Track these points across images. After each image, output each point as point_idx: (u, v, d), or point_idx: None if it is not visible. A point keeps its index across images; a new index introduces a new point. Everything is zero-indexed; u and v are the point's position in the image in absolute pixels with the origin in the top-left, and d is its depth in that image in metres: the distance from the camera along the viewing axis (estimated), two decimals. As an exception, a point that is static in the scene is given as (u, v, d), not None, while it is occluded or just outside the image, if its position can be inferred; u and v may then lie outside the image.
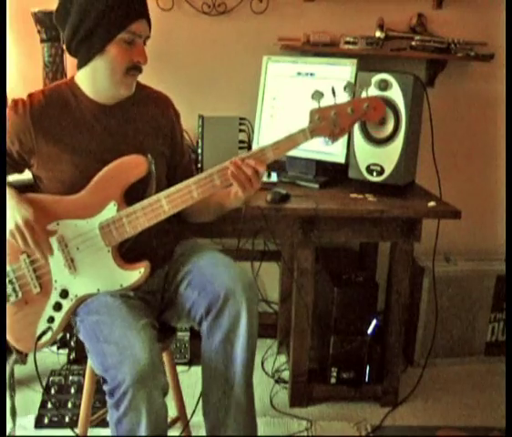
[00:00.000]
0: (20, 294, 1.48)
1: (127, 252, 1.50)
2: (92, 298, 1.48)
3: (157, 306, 1.60)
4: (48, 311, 1.48)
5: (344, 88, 1.51)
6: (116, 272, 1.47)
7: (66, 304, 1.48)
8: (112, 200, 1.45)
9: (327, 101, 1.51)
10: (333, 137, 1.51)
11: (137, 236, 1.47)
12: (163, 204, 1.44)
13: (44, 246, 1.41)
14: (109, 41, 1.41)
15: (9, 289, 1.47)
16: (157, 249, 1.58)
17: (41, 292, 1.48)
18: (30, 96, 1.50)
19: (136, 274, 1.48)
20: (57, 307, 1.48)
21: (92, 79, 1.49)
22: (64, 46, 1.50)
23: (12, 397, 1.94)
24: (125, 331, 1.36)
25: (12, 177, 1.82)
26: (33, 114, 1.46)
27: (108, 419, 1.40)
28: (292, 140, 1.49)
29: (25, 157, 1.48)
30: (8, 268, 1.47)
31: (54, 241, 1.44)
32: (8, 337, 1.51)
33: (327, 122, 1.49)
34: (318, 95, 1.50)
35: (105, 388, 1.36)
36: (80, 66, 1.49)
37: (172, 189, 1.45)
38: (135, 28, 1.42)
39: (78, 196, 1.46)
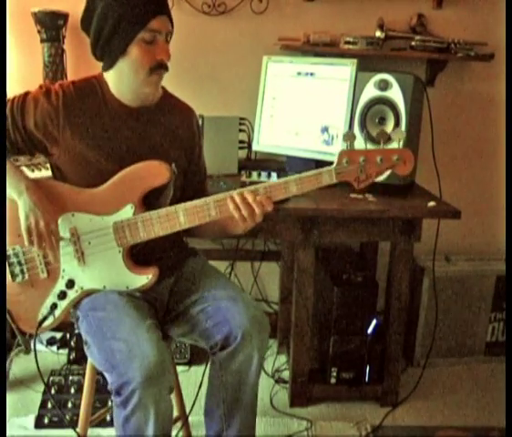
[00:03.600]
0: (27, 276, 1.49)
1: (136, 254, 1.50)
2: (97, 294, 1.49)
3: (161, 312, 1.60)
4: (52, 298, 1.49)
5: (343, 138, 1.46)
6: (124, 273, 1.47)
7: (71, 294, 1.49)
8: (130, 202, 1.44)
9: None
10: (358, 182, 1.46)
11: (149, 241, 1.47)
12: (180, 216, 1.43)
13: (54, 249, 1.41)
14: (130, 42, 1.41)
15: (17, 269, 1.48)
16: (167, 258, 1.58)
17: (48, 278, 1.49)
18: (61, 85, 1.49)
19: (143, 279, 1.48)
20: (62, 295, 1.48)
21: (118, 81, 1.48)
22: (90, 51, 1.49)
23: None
24: (133, 329, 1.36)
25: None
26: (65, 105, 1.45)
27: (114, 417, 1.39)
28: (317, 178, 1.45)
29: (47, 145, 1.47)
30: (19, 249, 1.48)
31: (66, 232, 1.45)
32: (10, 315, 1.52)
33: (354, 167, 1.45)
34: (350, 136, 1.45)
35: (110, 386, 1.35)
36: (105, 69, 1.49)
37: (191, 204, 1.44)
38: (154, 25, 1.40)
39: (97, 191, 1.46)
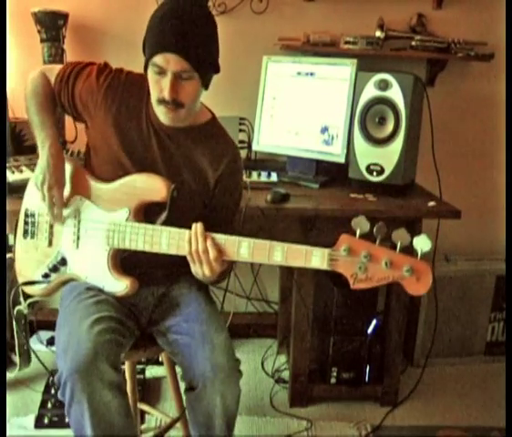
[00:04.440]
0: (34, 238, 1.56)
1: (126, 259, 1.49)
2: (75, 283, 1.51)
3: (143, 320, 1.57)
4: (46, 268, 1.53)
5: (352, 223, 1.20)
6: (104, 273, 1.48)
7: (61, 272, 1.53)
8: (127, 207, 1.45)
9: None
10: (354, 280, 1.21)
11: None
12: (162, 238, 1.40)
13: (57, 208, 1.45)
14: (147, 63, 1.40)
15: (29, 228, 1.57)
16: (157, 269, 1.56)
17: (48, 248, 1.54)
18: (117, 70, 1.52)
19: (120, 285, 1.47)
20: (54, 269, 1.53)
21: None
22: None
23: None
24: (80, 321, 1.35)
25: (12, 178, 1.84)
26: (108, 89, 1.48)
27: None
28: (306, 255, 1.26)
29: (85, 117, 1.53)
30: (36, 209, 1.55)
31: (71, 212, 1.50)
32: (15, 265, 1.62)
33: (353, 260, 1.21)
34: (361, 223, 1.20)
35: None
36: None
37: (176, 230, 1.40)
38: (157, 61, 1.35)
39: (106, 186, 1.49)
